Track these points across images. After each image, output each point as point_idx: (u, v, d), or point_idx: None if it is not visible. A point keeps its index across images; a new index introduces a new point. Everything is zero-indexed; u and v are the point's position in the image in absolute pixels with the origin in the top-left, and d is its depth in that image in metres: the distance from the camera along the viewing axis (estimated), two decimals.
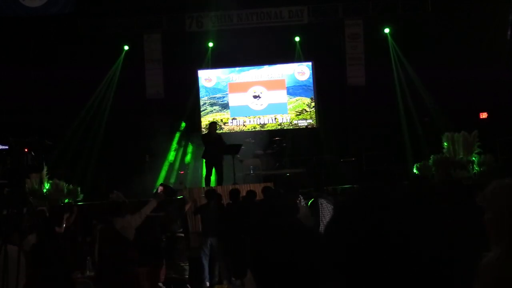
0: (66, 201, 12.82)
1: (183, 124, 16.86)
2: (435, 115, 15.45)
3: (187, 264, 9.57)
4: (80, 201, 13.18)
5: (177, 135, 16.74)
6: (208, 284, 9.98)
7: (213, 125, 13.47)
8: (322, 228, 7.51)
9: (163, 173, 15.95)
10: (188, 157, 16.34)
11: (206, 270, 10.02)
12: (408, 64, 16.37)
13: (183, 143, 16.72)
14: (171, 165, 16.31)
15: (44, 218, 7.30)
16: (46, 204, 10.80)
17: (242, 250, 8.62)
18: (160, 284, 9.06)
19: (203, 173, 13.08)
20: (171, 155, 16.44)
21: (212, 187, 11.83)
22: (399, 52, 16.57)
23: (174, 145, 16.60)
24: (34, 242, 6.60)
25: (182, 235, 9.77)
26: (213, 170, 12.72)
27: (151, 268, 8.60)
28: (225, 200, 10.87)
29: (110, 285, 6.27)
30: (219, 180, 12.55)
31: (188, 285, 9.61)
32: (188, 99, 17.00)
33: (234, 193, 10.26)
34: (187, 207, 10.47)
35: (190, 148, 16.41)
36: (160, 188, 11.00)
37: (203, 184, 12.92)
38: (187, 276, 9.55)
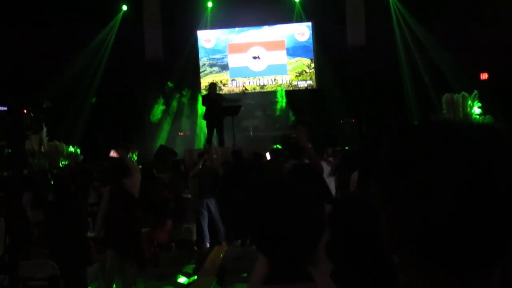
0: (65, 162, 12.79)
1: (170, 85, 16.58)
2: (436, 76, 15.31)
3: (194, 225, 9.66)
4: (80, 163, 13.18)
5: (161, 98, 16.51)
6: (208, 245, 10.03)
7: (212, 86, 13.37)
8: None
9: (163, 135, 15.94)
10: (184, 119, 16.22)
11: (205, 231, 10.06)
12: (409, 23, 16.11)
13: (175, 104, 16.53)
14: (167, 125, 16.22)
15: (60, 176, 7.38)
16: (46, 165, 10.78)
17: (240, 211, 8.62)
18: (173, 244, 9.16)
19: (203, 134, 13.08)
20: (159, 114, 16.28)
21: (203, 148, 11.78)
22: (400, 11, 16.30)
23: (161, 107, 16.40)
24: (30, 199, 6.78)
25: (189, 196, 9.80)
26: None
27: (152, 229, 8.65)
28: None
29: (120, 244, 6.38)
30: (220, 142, 12.51)
31: (195, 247, 9.70)
32: (187, 60, 16.81)
33: (236, 153, 10.27)
34: (191, 173, 10.41)
35: (186, 110, 16.30)
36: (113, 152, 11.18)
37: (201, 145, 12.94)
38: (195, 239, 9.64)
